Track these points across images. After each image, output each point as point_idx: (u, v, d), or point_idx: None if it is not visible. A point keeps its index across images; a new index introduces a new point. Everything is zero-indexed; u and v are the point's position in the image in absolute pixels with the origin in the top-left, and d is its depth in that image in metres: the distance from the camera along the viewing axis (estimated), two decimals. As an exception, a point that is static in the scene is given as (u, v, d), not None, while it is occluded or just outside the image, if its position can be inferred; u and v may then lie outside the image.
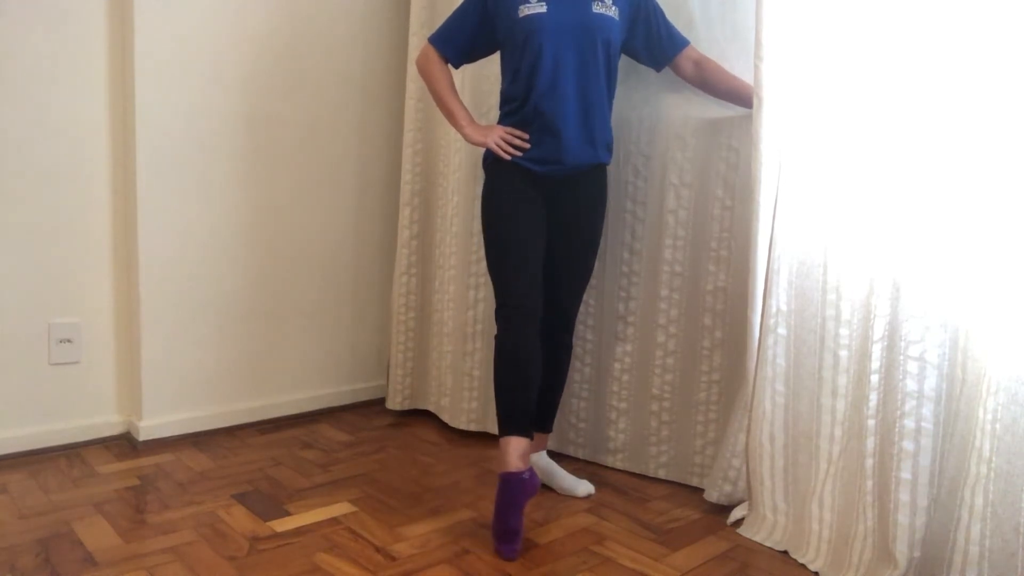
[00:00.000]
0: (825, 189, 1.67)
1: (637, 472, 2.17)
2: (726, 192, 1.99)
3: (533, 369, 1.80)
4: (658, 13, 1.96)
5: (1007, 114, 1.38)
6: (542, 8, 1.84)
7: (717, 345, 2.03)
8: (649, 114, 2.11)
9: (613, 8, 1.87)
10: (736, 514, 1.85)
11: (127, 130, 2.20)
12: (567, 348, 2.03)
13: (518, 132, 1.87)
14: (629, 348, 2.18)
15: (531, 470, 1.75)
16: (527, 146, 1.86)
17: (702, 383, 2.06)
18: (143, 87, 2.15)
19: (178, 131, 2.23)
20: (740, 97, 1.92)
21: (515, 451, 1.75)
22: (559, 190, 1.91)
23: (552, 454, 2.27)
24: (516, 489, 1.70)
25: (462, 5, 1.97)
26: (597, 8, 1.85)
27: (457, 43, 1.98)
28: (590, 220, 1.96)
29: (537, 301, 1.84)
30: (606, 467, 2.21)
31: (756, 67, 1.71)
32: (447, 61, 1.99)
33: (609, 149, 1.95)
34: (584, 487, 2.02)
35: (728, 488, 1.91)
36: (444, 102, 1.98)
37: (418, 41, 2.50)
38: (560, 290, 1.96)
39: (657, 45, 1.97)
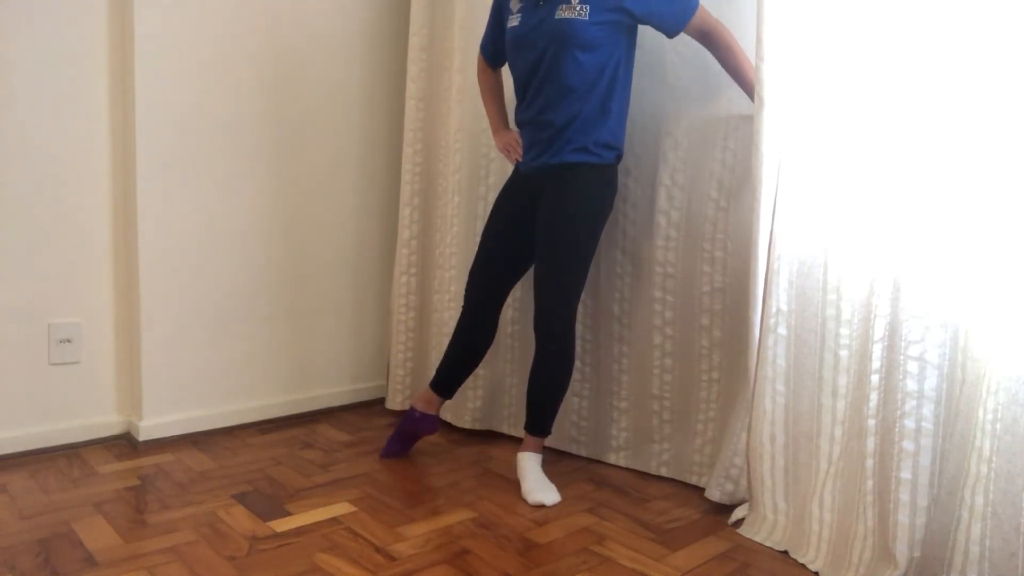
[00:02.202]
0: (825, 189, 1.67)
1: (639, 469, 2.17)
2: (720, 193, 1.98)
3: (466, 353, 2.11)
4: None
5: (1007, 114, 1.38)
6: (516, 21, 1.97)
7: (716, 345, 2.02)
8: (640, 113, 2.10)
9: (581, 8, 1.84)
10: (737, 514, 1.85)
11: (127, 130, 2.20)
12: (556, 343, 1.94)
13: (517, 139, 2.05)
14: (626, 349, 2.18)
15: (430, 417, 2.16)
16: (520, 153, 2.04)
17: (702, 382, 2.06)
18: (143, 87, 2.15)
19: (178, 131, 2.23)
20: (742, 81, 1.87)
21: (424, 396, 2.17)
22: (541, 186, 2.00)
23: (554, 452, 2.27)
24: (406, 419, 2.18)
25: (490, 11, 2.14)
26: (561, 13, 1.85)
27: (490, 48, 2.14)
28: (562, 215, 1.91)
29: (484, 297, 2.07)
30: (608, 465, 2.22)
31: (757, 67, 1.71)
32: (490, 66, 2.17)
33: (589, 151, 1.91)
34: (536, 496, 1.92)
35: (730, 487, 1.91)
36: (485, 106, 2.20)
37: (419, 41, 2.50)
38: (539, 284, 1.95)
39: (655, 24, 1.89)
